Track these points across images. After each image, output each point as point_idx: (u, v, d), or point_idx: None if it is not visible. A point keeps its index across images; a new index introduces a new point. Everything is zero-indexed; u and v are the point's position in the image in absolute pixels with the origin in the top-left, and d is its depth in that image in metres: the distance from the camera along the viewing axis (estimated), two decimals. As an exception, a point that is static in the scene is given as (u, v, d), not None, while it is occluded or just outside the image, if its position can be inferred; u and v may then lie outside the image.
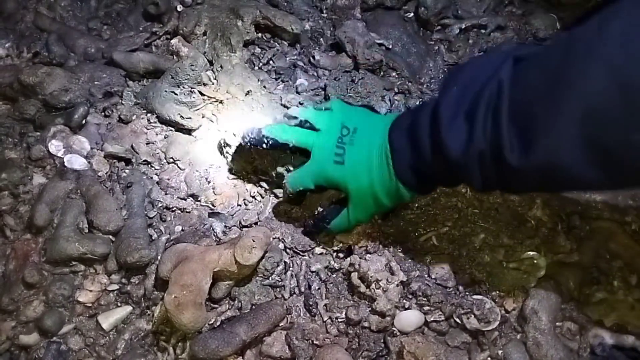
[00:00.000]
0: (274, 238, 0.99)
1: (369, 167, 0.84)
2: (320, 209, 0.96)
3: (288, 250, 1.00)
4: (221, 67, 1.15)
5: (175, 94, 1.09)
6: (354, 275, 0.93)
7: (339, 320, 0.94)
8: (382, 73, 1.16)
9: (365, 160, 0.84)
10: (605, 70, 0.54)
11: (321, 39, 1.22)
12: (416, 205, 1.03)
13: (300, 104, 1.08)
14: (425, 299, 0.93)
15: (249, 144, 0.93)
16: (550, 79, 0.60)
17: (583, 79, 0.56)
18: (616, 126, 0.54)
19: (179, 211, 1.04)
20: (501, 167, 0.66)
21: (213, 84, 1.13)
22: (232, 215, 1.03)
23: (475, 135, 0.66)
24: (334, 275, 0.98)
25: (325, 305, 0.95)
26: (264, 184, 1.04)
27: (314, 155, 0.88)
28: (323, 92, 1.13)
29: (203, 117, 1.11)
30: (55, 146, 1.05)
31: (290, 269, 0.98)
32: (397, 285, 0.92)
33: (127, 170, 1.07)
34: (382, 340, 0.92)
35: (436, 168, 0.77)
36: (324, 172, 0.87)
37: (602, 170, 0.58)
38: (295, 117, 0.92)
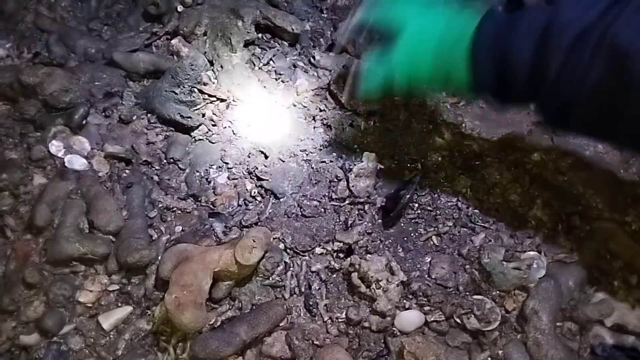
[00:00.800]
0: (274, 238, 0.99)
1: (443, 19, 0.74)
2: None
3: (288, 251, 1.00)
4: (221, 67, 1.15)
5: (176, 94, 1.09)
6: (354, 276, 0.93)
7: (339, 320, 0.94)
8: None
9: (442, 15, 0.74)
10: None
11: (321, 40, 1.22)
12: (416, 205, 1.03)
13: None
14: (425, 299, 0.93)
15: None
16: None
17: None
18: None
19: (180, 211, 1.04)
20: (605, 47, 0.57)
21: (213, 83, 1.13)
22: (232, 215, 1.03)
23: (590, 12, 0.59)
24: (334, 276, 0.98)
25: (325, 305, 0.95)
26: (264, 184, 1.04)
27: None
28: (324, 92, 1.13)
29: (203, 116, 1.11)
30: (55, 146, 1.05)
31: (291, 269, 0.98)
32: (398, 285, 0.92)
33: (127, 171, 1.07)
34: (382, 341, 0.92)
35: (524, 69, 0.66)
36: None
37: None
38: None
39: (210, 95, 1.11)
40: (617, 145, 0.77)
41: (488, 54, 0.69)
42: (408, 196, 0.99)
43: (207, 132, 1.11)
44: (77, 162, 1.04)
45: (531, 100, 0.72)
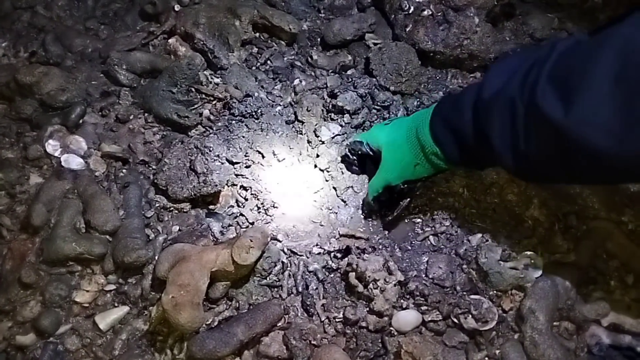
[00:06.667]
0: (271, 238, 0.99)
1: (405, 126, 0.90)
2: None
3: (286, 250, 1.00)
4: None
5: (173, 93, 1.09)
6: (352, 275, 0.93)
7: (337, 320, 0.94)
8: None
9: (405, 122, 0.92)
10: None
11: (319, 39, 1.22)
12: (414, 204, 1.03)
13: None
14: (422, 299, 0.93)
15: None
16: (592, 46, 0.64)
17: (619, 37, 0.60)
18: None
19: (176, 211, 1.04)
20: (533, 119, 0.67)
21: (210, 83, 1.13)
22: (229, 215, 1.02)
23: (513, 83, 0.70)
24: (332, 275, 0.98)
25: (322, 305, 0.95)
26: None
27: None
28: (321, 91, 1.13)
29: (200, 115, 1.11)
30: (52, 146, 1.05)
31: (288, 268, 0.98)
32: (395, 285, 0.92)
33: (124, 170, 1.07)
34: (379, 340, 0.92)
35: (467, 122, 0.79)
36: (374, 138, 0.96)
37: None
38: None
39: (207, 95, 1.11)
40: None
41: (444, 131, 0.83)
42: (408, 199, 0.99)
43: (204, 132, 1.10)
44: (73, 162, 1.04)
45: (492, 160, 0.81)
